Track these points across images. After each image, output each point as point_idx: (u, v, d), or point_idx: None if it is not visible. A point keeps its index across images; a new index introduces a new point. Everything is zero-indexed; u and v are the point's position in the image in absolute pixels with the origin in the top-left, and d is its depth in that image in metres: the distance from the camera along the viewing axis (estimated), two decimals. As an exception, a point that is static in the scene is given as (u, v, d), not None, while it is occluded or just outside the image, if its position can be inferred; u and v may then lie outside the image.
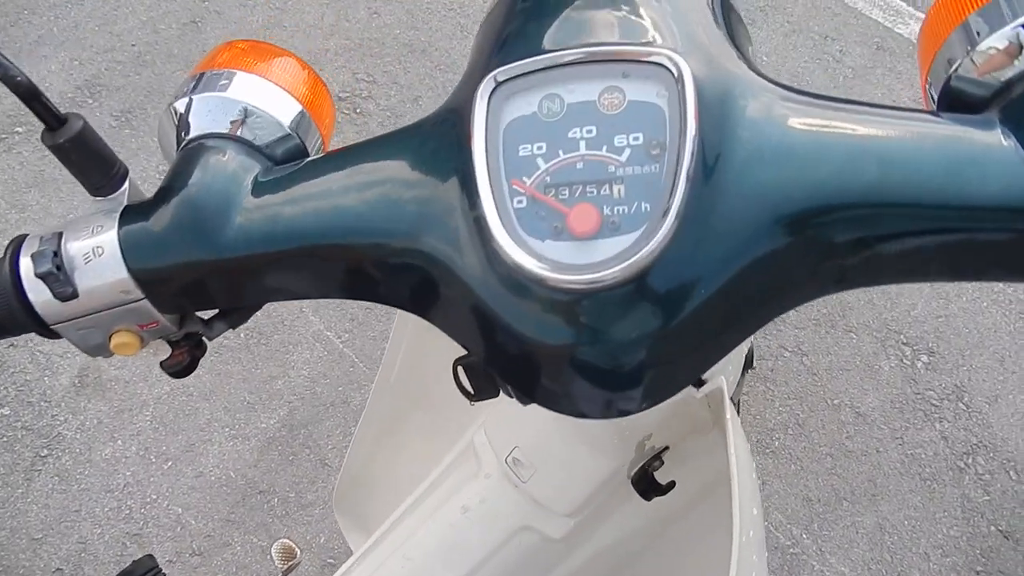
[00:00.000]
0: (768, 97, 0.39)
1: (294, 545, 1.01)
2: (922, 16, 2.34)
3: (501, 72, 0.39)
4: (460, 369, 0.48)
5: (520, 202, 0.37)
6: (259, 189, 0.45)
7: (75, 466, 1.66)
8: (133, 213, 0.45)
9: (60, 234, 0.45)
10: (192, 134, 0.48)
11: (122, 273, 0.44)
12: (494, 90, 0.39)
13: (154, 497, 1.61)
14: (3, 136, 2.24)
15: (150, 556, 0.59)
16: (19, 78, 0.40)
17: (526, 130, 0.38)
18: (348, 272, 0.44)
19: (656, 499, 0.61)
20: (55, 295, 0.44)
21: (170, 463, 1.65)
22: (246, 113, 0.48)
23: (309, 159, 0.47)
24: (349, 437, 1.65)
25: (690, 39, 0.40)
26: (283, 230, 0.43)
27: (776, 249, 0.36)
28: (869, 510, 1.64)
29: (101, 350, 0.48)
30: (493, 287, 0.38)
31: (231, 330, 0.52)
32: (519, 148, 0.38)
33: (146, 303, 0.45)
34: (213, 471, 1.63)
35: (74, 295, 0.44)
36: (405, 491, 0.74)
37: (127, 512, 1.60)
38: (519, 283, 0.36)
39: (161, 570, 0.58)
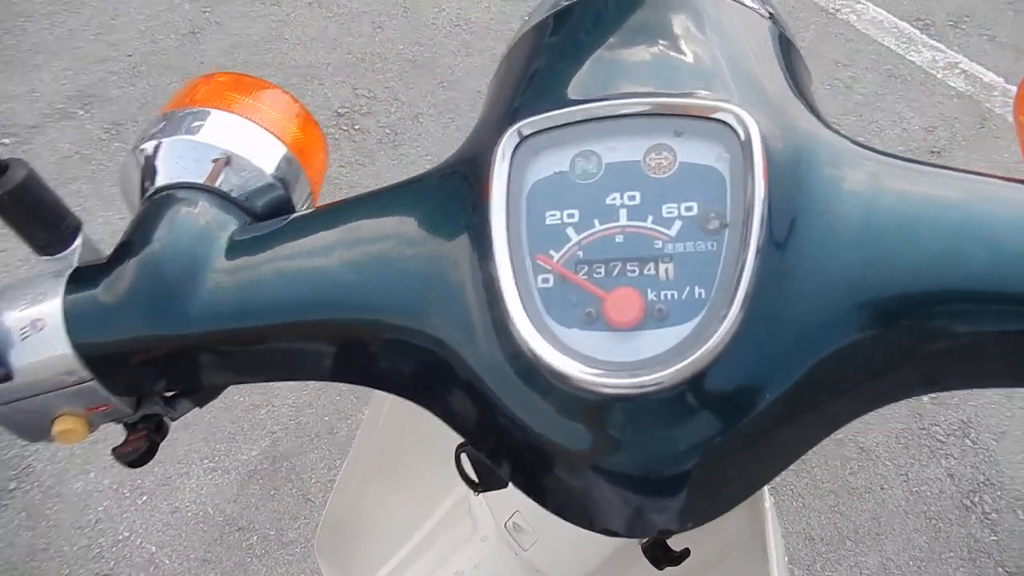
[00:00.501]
0: (850, 161, 0.33)
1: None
2: (935, 43, 2.31)
3: (527, 125, 0.34)
4: (463, 456, 0.42)
5: (546, 281, 0.31)
6: (234, 250, 0.39)
7: (44, 500, 1.58)
8: (83, 277, 0.39)
9: None
10: (159, 182, 0.42)
11: (66, 351, 0.37)
12: (518, 145, 0.33)
13: (127, 535, 1.53)
14: (-19, 149, 2.18)
15: None
16: None
17: (555, 194, 0.33)
18: (337, 353, 0.38)
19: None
20: None
21: (145, 497, 1.57)
22: (224, 160, 0.42)
23: (294, 215, 0.41)
24: (335, 471, 1.58)
25: (753, 88, 0.34)
26: (261, 301, 0.37)
27: (858, 345, 0.30)
28: (873, 549, 1.58)
29: (41, 436, 0.41)
30: (509, 382, 0.32)
31: (198, 408, 0.45)
32: (546, 215, 0.32)
33: (95, 384, 0.38)
34: (190, 506, 1.56)
35: (7, 377, 0.37)
36: (392, 541, 0.69)
37: (97, 551, 1.52)
38: (542, 380, 0.30)
39: None
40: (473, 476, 0.42)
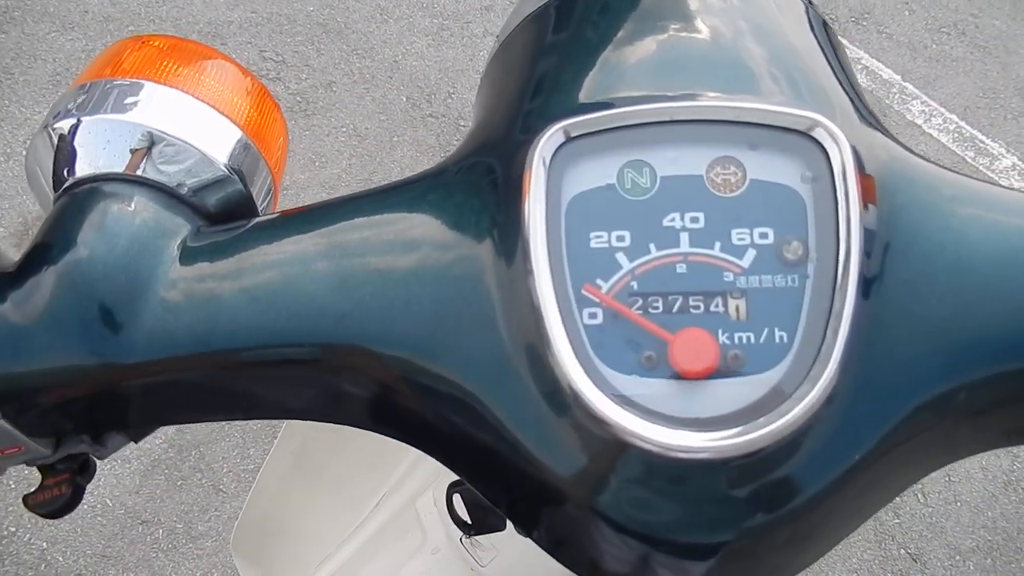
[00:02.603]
0: (932, 184, 0.29)
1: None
2: (1001, 151, 2.27)
3: (575, 124, 0.28)
4: (455, 497, 0.38)
5: (593, 316, 0.26)
6: (188, 260, 0.31)
7: (-86, 494, 1.42)
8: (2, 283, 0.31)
9: None
10: (80, 172, 0.34)
11: None
12: (559, 148, 0.28)
13: (12, 530, 1.40)
14: None
15: None
16: None
17: (600, 210, 0.28)
18: (317, 390, 0.31)
19: None
20: None
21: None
22: (164, 146, 0.34)
23: (263, 218, 0.34)
24: (247, 460, 1.49)
25: (828, 95, 0.30)
26: (225, 328, 0.30)
27: (953, 395, 0.27)
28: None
29: None
30: (548, 435, 0.27)
31: (133, 444, 0.37)
32: (590, 236, 0.27)
33: (2, 424, 0.31)
34: (85, 499, 1.43)
35: None
36: (321, 546, 0.65)
37: (-21, 548, 1.38)
38: (593, 436, 0.26)
39: None
40: (466, 519, 0.38)
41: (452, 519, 0.39)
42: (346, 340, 0.29)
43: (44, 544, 1.39)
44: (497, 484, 0.30)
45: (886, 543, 1.55)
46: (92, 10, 2.18)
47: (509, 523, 0.38)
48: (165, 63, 0.37)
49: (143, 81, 0.36)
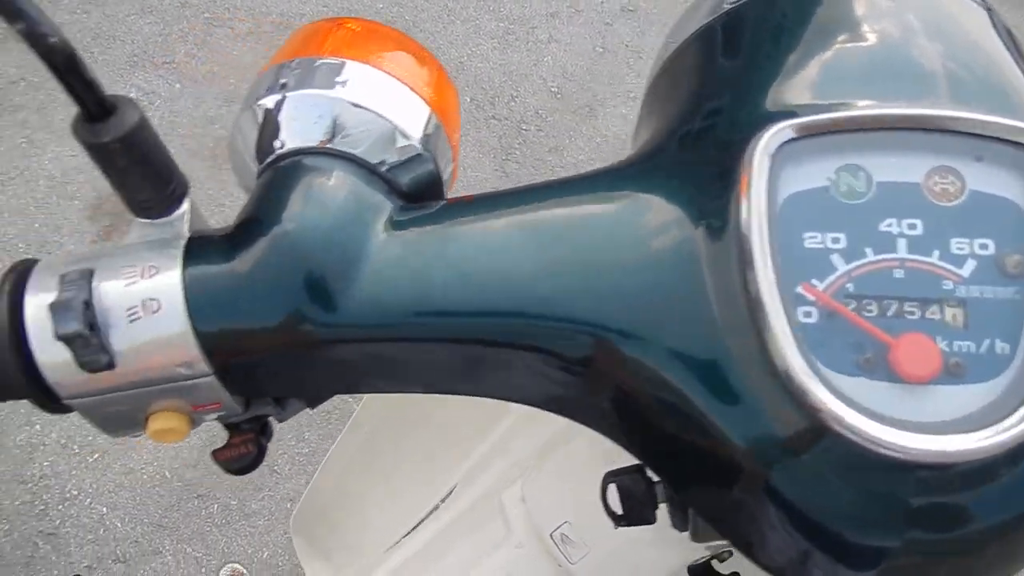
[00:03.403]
0: None
1: (245, 572, 0.90)
2: None
3: (799, 125, 0.29)
4: (611, 486, 0.38)
5: (808, 315, 0.27)
6: (397, 235, 0.33)
7: (-18, 451, 1.47)
8: (204, 252, 0.33)
9: (90, 272, 0.31)
10: (287, 146, 0.35)
11: (185, 339, 0.31)
12: (781, 146, 0.29)
13: (75, 493, 1.44)
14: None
15: None
16: (53, 39, 0.27)
17: (814, 211, 0.28)
18: (515, 371, 0.33)
19: None
20: (81, 364, 0.31)
21: (97, 455, 1.48)
22: (368, 122, 0.35)
23: (459, 198, 0.36)
24: (303, 444, 1.52)
25: None
26: (436, 303, 0.32)
27: None
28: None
29: (129, 431, 0.35)
30: (766, 432, 0.28)
31: (309, 410, 0.39)
32: (804, 236, 0.28)
33: (212, 380, 0.33)
34: (145, 468, 1.47)
35: (109, 364, 0.31)
36: (387, 534, 0.65)
37: (42, 507, 1.42)
38: (816, 435, 0.26)
39: None
40: (617, 510, 0.39)
41: (604, 509, 0.40)
42: (553, 319, 0.31)
43: (104, 509, 1.43)
44: (685, 465, 0.31)
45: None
46: (166, -6, 2.24)
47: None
48: (365, 44, 0.38)
49: (345, 60, 0.37)
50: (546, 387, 0.33)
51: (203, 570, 1.38)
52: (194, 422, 0.35)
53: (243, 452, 0.37)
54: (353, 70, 0.36)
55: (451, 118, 0.40)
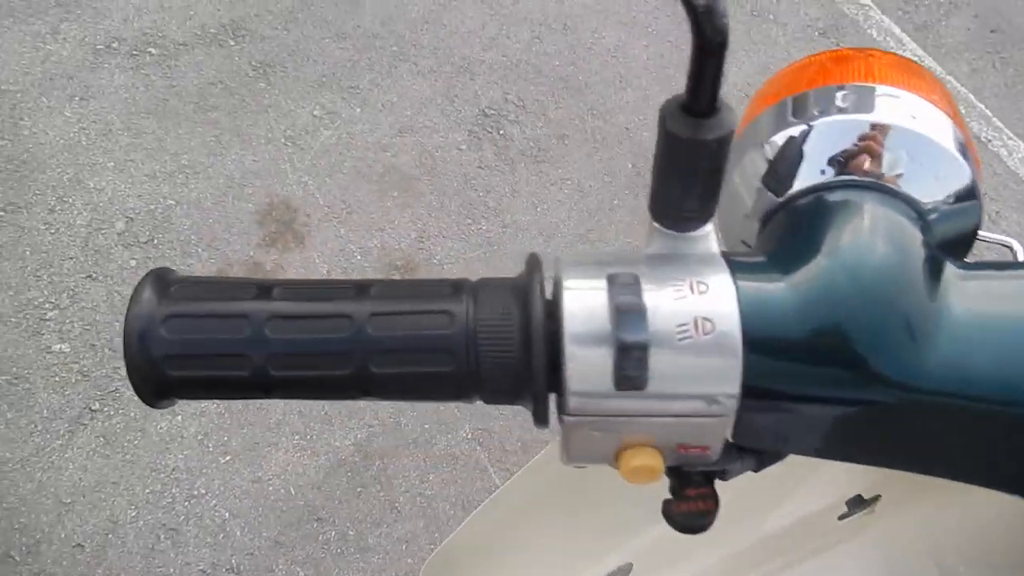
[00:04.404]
0: None
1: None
2: None
3: None
4: None
5: None
6: (956, 292, 0.29)
7: (125, 432, 1.49)
8: (753, 272, 0.29)
9: (636, 277, 0.28)
10: (823, 175, 0.33)
11: (733, 370, 0.27)
12: None
13: (202, 491, 1.44)
14: (135, 53, 2.11)
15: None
16: (723, 20, 0.24)
17: None
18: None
19: None
20: (620, 378, 0.27)
21: (228, 457, 1.48)
22: (905, 148, 0.33)
23: None
24: (425, 484, 1.48)
25: None
26: (987, 373, 0.28)
27: None
28: None
29: (592, 462, 0.30)
30: None
31: (753, 472, 0.34)
32: None
33: (726, 420, 0.28)
34: (272, 480, 1.46)
35: (638, 384, 0.27)
36: None
37: (169, 500, 1.43)
38: None
39: None
40: None
41: None
42: None
43: (227, 514, 1.42)
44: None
45: None
46: (364, 25, 2.33)
47: None
48: (904, 76, 0.35)
49: (872, 85, 0.34)
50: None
51: (311, 598, 1.35)
52: (665, 461, 0.30)
53: (704, 508, 0.32)
54: (894, 98, 0.34)
55: (976, 157, 0.36)
